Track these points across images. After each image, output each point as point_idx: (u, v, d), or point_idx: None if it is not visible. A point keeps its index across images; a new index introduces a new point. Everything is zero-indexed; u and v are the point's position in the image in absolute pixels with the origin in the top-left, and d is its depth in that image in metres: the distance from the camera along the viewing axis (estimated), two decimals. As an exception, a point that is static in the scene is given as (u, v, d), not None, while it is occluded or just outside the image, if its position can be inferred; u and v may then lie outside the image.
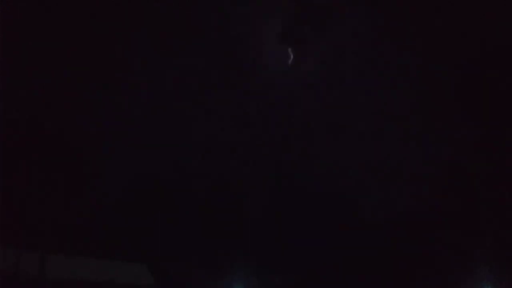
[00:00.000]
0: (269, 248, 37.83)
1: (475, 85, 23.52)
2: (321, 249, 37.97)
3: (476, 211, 23.87)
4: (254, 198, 40.31)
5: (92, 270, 25.62)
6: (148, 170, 39.25)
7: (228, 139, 48.65)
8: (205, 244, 36.06)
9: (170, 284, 31.29)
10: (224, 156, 46.25)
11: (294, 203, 40.68)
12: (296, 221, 39.41)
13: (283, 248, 37.84)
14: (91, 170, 26.86)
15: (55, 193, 25.69)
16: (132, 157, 42.41)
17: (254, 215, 40.68)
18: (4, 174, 20.92)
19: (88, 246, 28.39)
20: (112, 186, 35.53)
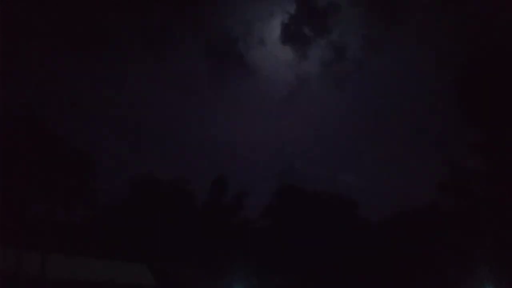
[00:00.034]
0: (269, 248, 37.86)
1: (475, 85, 23.52)
2: (321, 249, 38.00)
3: (476, 211, 23.88)
4: (255, 199, 40.42)
5: (92, 270, 25.61)
6: (149, 171, 39.40)
7: (229, 140, 48.73)
8: (205, 245, 36.09)
9: (170, 284, 31.29)
10: (225, 156, 46.25)
11: (294, 203, 40.79)
12: (296, 221, 39.47)
13: (283, 248, 37.87)
14: (91, 171, 26.88)
15: (55, 193, 25.70)
16: (132, 158, 42.51)
17: (254, 216, 40.83)
18: (4, 174, 20.92)
19: (89, 246, 28.42)
20: (112, 187, 35.62)
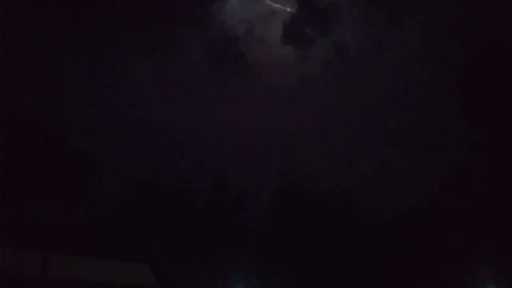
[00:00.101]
0: (269, 248, 37.85)
1: (476, 85, 23.50)
2: (321, 249, 37.97)
3: (476, 211, 23.86)
4: (255, 199, 40.34)
5: (92, 270, 25.59)
6: (149, 171, 39.34)
7: (229, 140, 48.69)
8: (206, 245, 36.10)
9: (171, 284, 31.31)
10: (225, 157, 46.24)
11: (295, 203, 40.75)
12: (296, 221, 39.44)
13: (283, 248, 37.86)
14: (91, 171, 26.88)
15: (55, 193, 25.70)
16: (133, 157, 42.47)
17: (254, 216, 40.76)
18: (4, 174, 20.93)
19: (89, 246, 28.42)
20: (113, 187, 35.55)
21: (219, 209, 36.82)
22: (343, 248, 34.59)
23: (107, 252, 29.00)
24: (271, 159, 50.45)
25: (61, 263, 25.34)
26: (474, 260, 27.15)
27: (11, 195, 22.25)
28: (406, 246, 33.55)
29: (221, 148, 49.80)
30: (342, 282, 33.13)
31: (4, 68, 22.14)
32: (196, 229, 33.71)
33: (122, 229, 32.32)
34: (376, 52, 56.32)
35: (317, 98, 55.32)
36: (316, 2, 57.66)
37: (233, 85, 54.89)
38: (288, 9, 55.01)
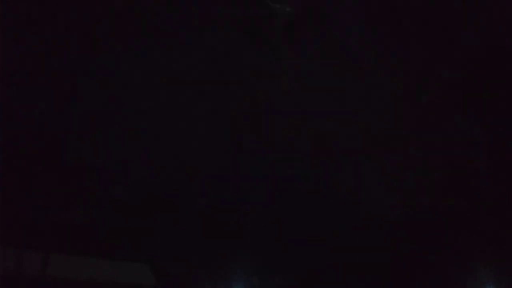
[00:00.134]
0: (269, 248, 37.42)
1: (476, 84, 23.49)
2: (322, 249, 37.61)
3: (476, 211, 23.84)
4: (255, 198, 39.92)
5: (92, 269, 25.41)
6: (149, 169, 39.02)
7: (229, 139, 48.40)
8: (206, 244, 35.68)
9: (171, 284, 30.93)
10: (225, 155, 46.04)
11: (295, 202, 40.38)
12: (296, 220, 39.07)
13: (284, 248, 37.44)
14: (91, 169, 26.72)
15: (55, 192, 25.58)
16: (133, 156, 42.16)
17: (254, 215, 40.42)
18: (4, 174, 20.89)
19: (89, 246, 28.22)
20: (112, 185, 35.22)
21: (219, 208, 36.63)
22: (343, 248, 34.35)
23: (107, 252, 28.81)
24: (271, 158, 50.09)
25: (61, 263, 25.23)
26: (474, 260, 27.07)
27: (11, 195, 22.19)
28: (406, 246, 33.34)
29: (221, 147, 49.44)
30: (342, 282, 32.91)
31: (4, 68, 22.10)
32: (196, 229, 33.52)
33: (121, 228, 32.14)
34: (375, 51, 55.90)
35: (316, 97, 54.90)
36: (316, 1, 57.23)
37: (232, 84, 54.35)
38: (288, 9, 54.54)
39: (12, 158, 21.24)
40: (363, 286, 29.47)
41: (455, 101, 23.14)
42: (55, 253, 22.30)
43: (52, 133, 24.05)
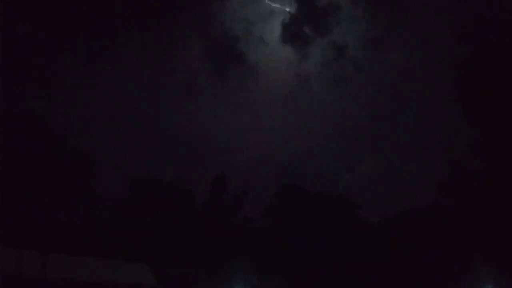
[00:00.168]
0: (269, 248, 37.82)
1: (476, 85, 23.51)
2: (321, 249, 37.97)
3: (476, 211, 23.87)
4: (255, 199, 40.38)
5: (92, 270, 25.60)
6: (149, 171, 39.36)
7: (228, 139, 48.74)
8: (206, 245, 36.07)
9: (171, 284, 31.29)
10: (225, 156, 46.25)
11: (295, 203, 40.77)
12: (296, 221, 39.43)
13: (283, 248, 37.83)
14: (91, 171, 26.86)
15: (55, 193, 25.70)
16: (132, 157, 42.49)
17: (254, 216, 40.80)
18: (4, 174, 20.92)
19: (89, 246, 28.42)
20: (112, 187, 35.54)
21: (219, 209, 36.81)
22: (343, 248, 34.59)
23: (107, 252, 29.00)
24: (271, 158, 50.53)
25: (61, 263, 25.33)
26: (474, 260, 27.16)
27: (11, 195, 22.25)
28: (406, 246, 33.55)
29: (220, 147, 49.87)
30: (342, 282, 33.13)
31: (4, 68, 22.14)
32: (196, 229, 33.70)
33: (122, 229, 32.30)
34: (375, 51, 56.43)
35: (316, 97, 55.39)
36: (315, 1, 57.78)
37: (232, 85, 54.95)
38: (287, 9, 55.07)
39: (12, 158, 20.88)
40: (363, 286, 29.19)
41: (455, 102, 22.74)
42: (55, 253, 21.98)
43: (52, 133, 23.62)
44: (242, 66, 56.30)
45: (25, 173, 23.18)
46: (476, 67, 24.15)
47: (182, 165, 41.46)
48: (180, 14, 55.36)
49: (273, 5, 54.00)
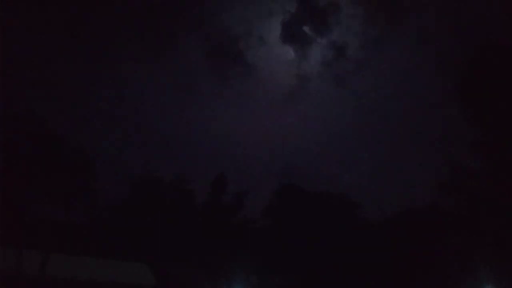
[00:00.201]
0: (269, 248, 37.83)
1: (476, 85, 23.51)
2: (321, 249, 37.99)
3: (476, 211, 23.88)
4: (255, 199, 40.40)
5: (92, 269, 25.62)
6: (148, 171, 39.39)
7: (228, 139, 48.75)
8: (206, 245, 36.08)
9: (171, 284, 31.31)
10: (224, 156, 46.25)
11: (295, 203, 40.78)
12: (296, 221, 39.45)
13: (283, 248, 37.84)
14: (91, 171, 26.88)
15: (55, 193, 25.70)
16: (132, 157, 42.51)
17: (254, 216, 40.82)
18: (4, 174, 20.93)
19: (89, 246, 28.44)
20: (112, 186, 35.58)
21: (219, 209, 36.81)
22: (343, 248, 34.60)
23: (107, 252, 29.02)
24: (271, 158, 50.54)
25: (61, 263, 25.35)
26: (474, 260, 27.17)
27: (11, 195, 22.25)
28: (406, 246, 33.56)
29: (220, 147, 49.87)
30: (342, 282, 33.14)
31: (4, 68, 22.15)
32: (196, 229, 33.70)
33: (121, 229, 32.30)
34: (375, 51, 56.44)
35: (316, 97, 55.43)
36: (315, 1, 57.85)
37: (232, 84, 54.99)
38: (287, 9, 55.14)
39: (12, 158, 20.87)
40: (363, 286, 29.17)
41: (455, 101, 22.70)
42: (55, 253, 21.98)
43: (52, 133, 23.62)
44: (242, 66, 56.43)
45: (25, 173, 23.19)
46: (476, 66, 24.16)
47: (182, 165, 41.53)
48: (180, 14, 55.42)
49: (273, 4, 54.08)
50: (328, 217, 36.56)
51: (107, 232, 31.39)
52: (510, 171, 22.36)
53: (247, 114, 54.48)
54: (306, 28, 55.52)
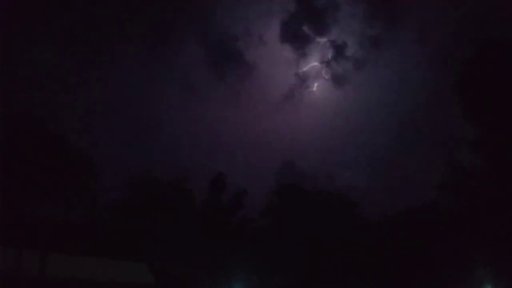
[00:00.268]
0: (269, 248, 37.82)
1: (476, 85, 23.52)
2: (321, 249, 38.01)
3: (476, 211, 23.89)
4: (254, 198, 40.34)
5: (92, 269, 25.63)
6: (148, 171, 39.36)
7: (228, 139, 48.75)
8: (206, 244, 36.08)
9: (171, 284, 31.34)
10: (224, 156, 46.23)
11: (294, 203, 40.78)
12: (296, 221, 39.45)
13: (283, 248, 37.83)
14: (91, 171, 26.87)
15: (55, 193, 25.70)
16: (132, 157, 42.50)
17: (254, 216, 40.79)
18: (4, 174, 20.92)
19: (89, 246, 28.44)
20: (112, 186, 35.52)
21: (218, 208, 36.79)
22: (343, 247, 34.61)
23: (106, 252, 29.01)
24: (271, 158, 50.58)
25: (61, 263, 25.35)
26: (474, 260, 27.19)
27: (11, 195, 22.24)
28: (406, 246, 33.58)
29: (219, 147, 49.89)
30: (342, 282, 33.16)
31: (4, 68, 22.13)
32: (195, 229, 33.69)
33: (121, 229, 32.29)
34: (375, 51, 56.49)
35: (315, 96, 55.46)
36: (314, 1, 57.85)
37: (231, 84, 55.00)
38: (286, 8, 55.13)
39: (12, 158, 20.83)
40: (362, 286, 29.16)
41: (455, 101, 22.74)
42: (55, 253, 21.94)
43: (52, 133, 23.58)
44: (241, 65, 56.47)
45: (25, 173, 23.18)
46: (476, 66, 24.16)
47: (181, 164, 41.50)
48: (179, 13, 55.42)
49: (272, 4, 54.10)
50: (328, 216, 36.57)
51: (107, 231, 31.38)
52: (510, 171, 22.36)
53: (246, 113, 54.54)
54: (305, 28, 55.61)
